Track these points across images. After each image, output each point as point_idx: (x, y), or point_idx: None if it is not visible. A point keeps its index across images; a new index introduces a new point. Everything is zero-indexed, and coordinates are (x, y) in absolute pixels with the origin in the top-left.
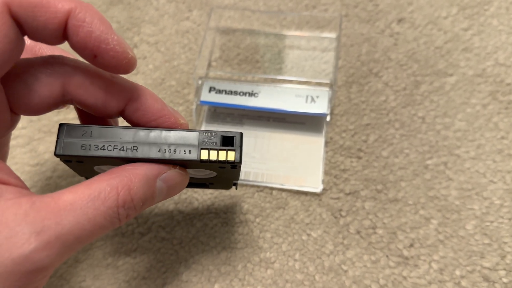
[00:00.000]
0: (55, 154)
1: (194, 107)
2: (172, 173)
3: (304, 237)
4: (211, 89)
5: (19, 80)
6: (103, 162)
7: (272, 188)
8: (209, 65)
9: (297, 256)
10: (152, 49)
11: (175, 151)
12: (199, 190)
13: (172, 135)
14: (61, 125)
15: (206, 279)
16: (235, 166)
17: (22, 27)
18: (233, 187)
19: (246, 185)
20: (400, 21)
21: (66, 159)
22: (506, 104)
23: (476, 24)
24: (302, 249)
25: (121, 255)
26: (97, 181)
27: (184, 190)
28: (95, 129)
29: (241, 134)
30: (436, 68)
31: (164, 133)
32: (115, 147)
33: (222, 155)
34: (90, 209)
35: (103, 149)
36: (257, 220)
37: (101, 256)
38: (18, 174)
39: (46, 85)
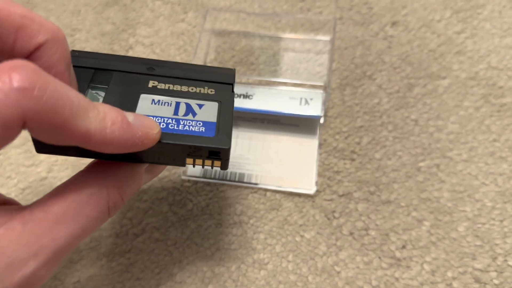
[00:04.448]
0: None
1: None
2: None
3: (298, 239)
4: None
5: None
6: None
7: (266, 190)
8: None
9: (290, 257)
10: (147, 51)
11: (159, 158)
12: (193, 191)
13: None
14: None
15: (200, 280)
16: (225, 169)
17: (26, 128)
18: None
19: (240, 187)
20: (394, 24)
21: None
22: (498, 107)
23: (469, 28)
24: (295, 250)
25: (115, 256)
26: (84, 184)
27: (178, 192)
28: None
29: (229, 149)
30: (429, 71)
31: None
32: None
33: (208, 163)
34: (82, 217)
35: (82, 152)
36: (251, 221)
37: (95, 257)
38: (13, 174)
39: None
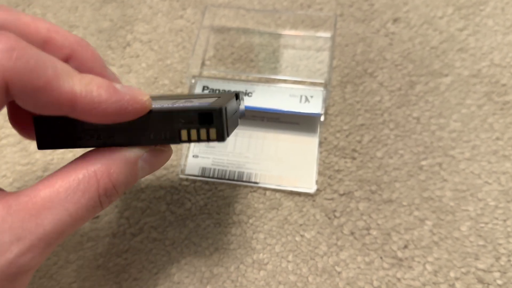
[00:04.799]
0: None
1: None
2: (153, 152)
3: (298, 238)
4: (204, 88)
5: None
6: None
7: (265, 189)
8: (203, 64)
9: (290, 258)
10: (145, 48)
11: (150, 136)
12: (192, 190)
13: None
14: (35, 118)
15: (198, 280)
16: (222, 139)
17: (12, 96)
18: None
19: (239, 186)
20: (395, 21)
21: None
22: (501, 105)
23: (472, 25)
24: (295, 250)
25: (112, 256)
26: (74, 170)
27: (176, 191)
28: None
29: (221, 109)
30: (431, 68)
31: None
32: (91, 136)
33: (203, 134)
34: (70, 204)
35: (80, 139)
36: (250, 221)
37: (92, 257)
38: (9, 173)
39: None
